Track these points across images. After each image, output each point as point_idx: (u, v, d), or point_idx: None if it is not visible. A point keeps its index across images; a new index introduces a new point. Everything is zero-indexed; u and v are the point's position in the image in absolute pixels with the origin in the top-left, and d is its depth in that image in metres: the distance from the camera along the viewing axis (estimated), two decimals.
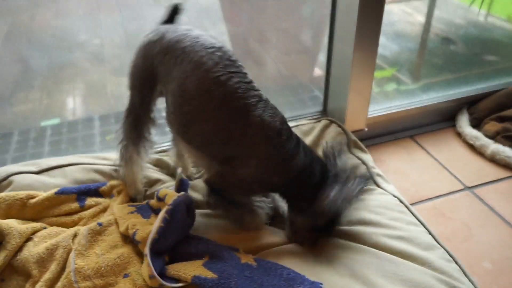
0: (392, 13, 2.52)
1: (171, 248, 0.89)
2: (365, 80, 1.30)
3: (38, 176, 1.07)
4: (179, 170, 1.09)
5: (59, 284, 0.83)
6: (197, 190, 1.08)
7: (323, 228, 0.93)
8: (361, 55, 1.25)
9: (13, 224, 0.90)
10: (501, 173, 1.32)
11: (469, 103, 1.55)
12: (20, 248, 0.88)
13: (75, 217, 0.99)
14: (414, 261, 0.93)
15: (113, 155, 1.11)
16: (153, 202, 0.97)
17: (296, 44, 1.90)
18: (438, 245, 0.97)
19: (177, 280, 0.83)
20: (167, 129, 1.03)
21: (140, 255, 0.88)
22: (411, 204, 1.13)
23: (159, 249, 0.86)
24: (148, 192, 1.09)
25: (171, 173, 1.17)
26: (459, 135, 1.48)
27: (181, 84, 0.86)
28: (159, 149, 1.24)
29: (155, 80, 0.93)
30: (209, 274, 0.82)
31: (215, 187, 0.93)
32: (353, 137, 1.24)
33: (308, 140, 1.22)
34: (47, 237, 0.91)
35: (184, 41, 0.87)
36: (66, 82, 1.82)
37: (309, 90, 1.78)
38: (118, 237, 0.92)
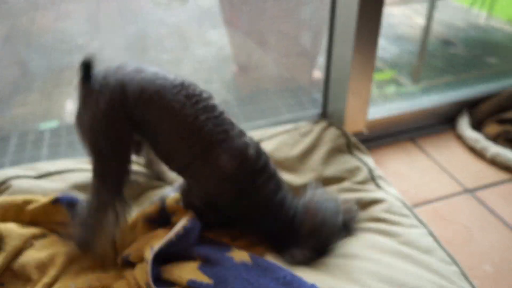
0: (392, 15, 2.53)
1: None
2: (365, 82, 1.29)
3: (36, 181, 1.06)
4: (167, 190, 1.08)
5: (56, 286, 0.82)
6: None
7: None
8: (361, 57, 1.24)
9: (12, 227, 0.90)
10: (502, 175, 1.31)
11: (470, 106, 1.54)
12: (21, 252, 0.88)
13: (69, 229, 0.96)
14: (412, 264, 0.92)
15: None
16: (170, 205, 0.97)
17: (296, 47, 1.90)
18: (439, 247, 0.96)
19: (172, 283, 0.82)
20: None
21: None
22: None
23: (159, 257, 0.84)
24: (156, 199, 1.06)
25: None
26: (460, 137, 1.47)
27: (156, 130, 0.87)
28: None
29: (130, 130, 0.89)
30: (205, 279, 0.81)
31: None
32: (353, 139, 1.23)
33: (306, 142, 1.22)
34: (49, 245, 0.91)
35: (146, 88, 0.84)
36: (66, 84, 1.82)
37: (308, 92, 1.78)
38: None
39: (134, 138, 0.91)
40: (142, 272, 0.82)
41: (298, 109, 1.68)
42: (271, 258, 0.90)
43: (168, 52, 2.00)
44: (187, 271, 0.83)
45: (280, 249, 0.92)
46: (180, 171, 0.92)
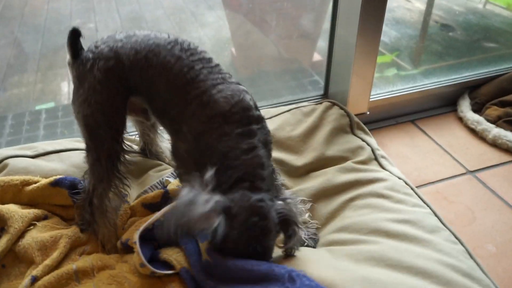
0: None
1: None
2: (368, 64, 1.28)
3: (33, 160, 1.03)
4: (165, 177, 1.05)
5: (58, 271, 0.80)
6: None
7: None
8: (365, 39, 1.23)
9: (13, 209, 0.87)
10: (503, 157, 1.31)
11: (471, 88, 1.54)
12: (22, 234, 0.85)
13: (70, 211, 0.94)
14: (418, 244, 0.91)
15: None
16: (172, 189, 0.95)
17: (296, 29, 1.87)
18: (444, 227, 0.96)
19: (169, 265, 0.81)
20: None
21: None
22: None
23: (148, 237, 0.83)
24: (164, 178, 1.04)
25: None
26: (461, 119, 1.47)
27: (152, 88, 0.84)
28: None
29: (126, 98, 0.87)
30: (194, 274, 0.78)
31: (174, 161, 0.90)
32: (356, 119, 1.22)
33: (309, 122, 1.20)
34: (51, 227, 0.89)
35: (140, 49, 0.83)
36: (60, 66, 1.78)
37: (309, 74, 1.76)
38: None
39: (127, 109, 0.88)
40: (135, 254, 0.80)
41: (299, 91, 1.66)
42: None
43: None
44: (184, 258, 0.80)
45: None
46: (173, 124, 0.86)
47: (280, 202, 0.75)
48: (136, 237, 0.80)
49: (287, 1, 1.85)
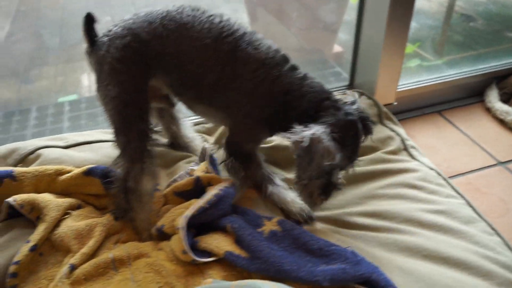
0: None
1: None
2: (397, 53, 1.26)
3: (66, 151, 1.04)
4: (206, 145, 1.05)
5: (95, 259, 0.80)
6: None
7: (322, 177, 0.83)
8: (394, 28, 1.21)
9: (49, 198, 0.88)
10: None
11: (498, 78, 1.51)
12: (58, 223, 0.86)
13: (103, 200, 0.95)
14: (454, 235, 0.90)
15: None
16: (203, 175, 0.95)
17: (316, 20, 1.85)
18: (479, 218, 0.94)
19: (208, 253, 0.82)
20: None
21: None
22: None
23: (189, 225, 0.83)
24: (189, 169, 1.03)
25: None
26: (488, 110, 1.44)
27: (177, 58, 0.86)
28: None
29: (147, 77, 0.89)
30: (242, 253, 0.80)
31: (230, 146, 0.93)
32: (384, 109, 1.20)
33: None
34: (85, 216, 0.89)
35: (153, 19, 0.85)
36: (79, 59, 1.78)
37: (330, 66, 1.74)
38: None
39: (147, 88, 0.89)
40: (177, 242, 0.80)
41: (323, 82, 1.64)
42: None
43: None
44: (225, 243, 0.82)
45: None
46: (208, 93, 0.89)
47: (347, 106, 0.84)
48: (182, 222, 0.81)
49: None
